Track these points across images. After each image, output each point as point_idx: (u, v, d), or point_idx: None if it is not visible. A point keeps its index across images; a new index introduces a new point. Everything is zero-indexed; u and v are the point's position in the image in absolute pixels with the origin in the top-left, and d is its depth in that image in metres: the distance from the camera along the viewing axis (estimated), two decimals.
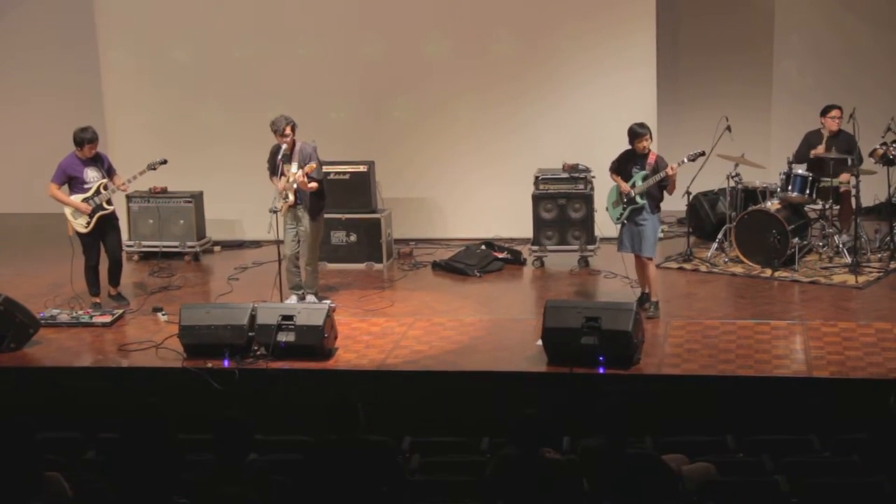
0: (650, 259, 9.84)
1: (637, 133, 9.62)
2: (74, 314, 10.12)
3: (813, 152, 11.07)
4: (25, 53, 14.27)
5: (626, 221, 9.75)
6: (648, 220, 9.70)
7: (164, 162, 10.55)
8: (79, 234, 10.24)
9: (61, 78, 14.07)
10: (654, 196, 9.71)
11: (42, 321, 9.81)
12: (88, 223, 10.20)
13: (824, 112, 11.18)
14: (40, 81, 14.22)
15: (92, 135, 10.13)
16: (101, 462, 6.80)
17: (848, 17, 13.06)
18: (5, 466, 5.73)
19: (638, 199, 9.66)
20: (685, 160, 9.90)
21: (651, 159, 9.68)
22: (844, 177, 10.98)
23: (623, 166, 9.77)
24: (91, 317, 10.08)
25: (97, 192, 10.18)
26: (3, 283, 10.51)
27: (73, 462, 6.89)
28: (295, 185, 9.89)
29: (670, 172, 9.57)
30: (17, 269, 11.83)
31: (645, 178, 9.65)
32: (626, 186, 9.69)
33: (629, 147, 9.73)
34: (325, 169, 10.45)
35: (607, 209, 9.96)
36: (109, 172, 10.32)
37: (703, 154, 10.19)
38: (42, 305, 10.27)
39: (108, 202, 10.24)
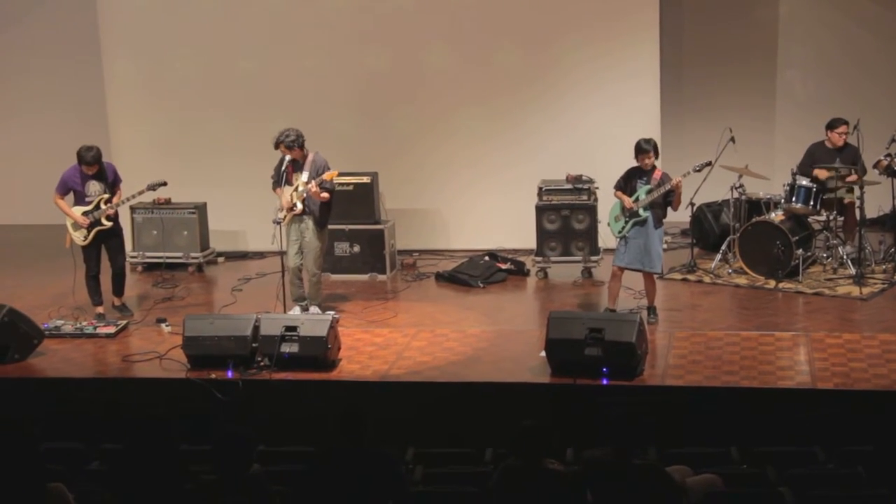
0: (657, 274, 9.85)
1: (641, 149, 9.63)
2: (78, 325, 10.12)
3: (815, 172, 11.03)
4: (30, 65, 14.33)
5: (627, 236, 9.74)
6: (653, 234, 9.69)
7: (164, 184, 10.58)
8: (80, 246, 10.28)
9: (65, 90, 14.12)
10: (659, 210, 9.70)
11: (46, 332, 9.81)
12: (86, 237, 10.22)
13: (831, 126, 11.15)
14: (44, 93, 14.27)
15: (92, 158, 10.07)
16: (105, 472, 6.80)
17: (852, 27, 13.07)
18: (9, 476, 5.72)
19: (641, 211, 9.66)
20: (691, 171, 9.90)
21: (657, 175, 9.68)
22: (852, 178, 10.93)
23: (628, 184, 9.78)
24: (95, 328, 10.09)
25: (97, 206, 10.20)
26: (8, 295, 10.53)
27: (76, 472, 6.88)
28: (305, 194, 9.90)
29: (676, 184, 9.57)
30: (21, 280, 11.85)
31: (649, 192, 9.65)
32: (629, 201, 9.68)
33: (634, 165, 9.73)
34: None
35: (609, 224, 9.95)
36: (114, 184, 10.33)
37: (709, 164, 10.19)
38: (46, 316, 10.28)
39: (108, 218, 10.24)
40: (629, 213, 9.71)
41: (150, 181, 10.50)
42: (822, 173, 10.96)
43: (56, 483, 6.05)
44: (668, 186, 9.58)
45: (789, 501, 6.24)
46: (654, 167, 9.68)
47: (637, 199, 9.68)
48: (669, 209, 9.81)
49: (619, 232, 9.79)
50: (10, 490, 5.61)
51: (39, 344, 9.61)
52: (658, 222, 9.72)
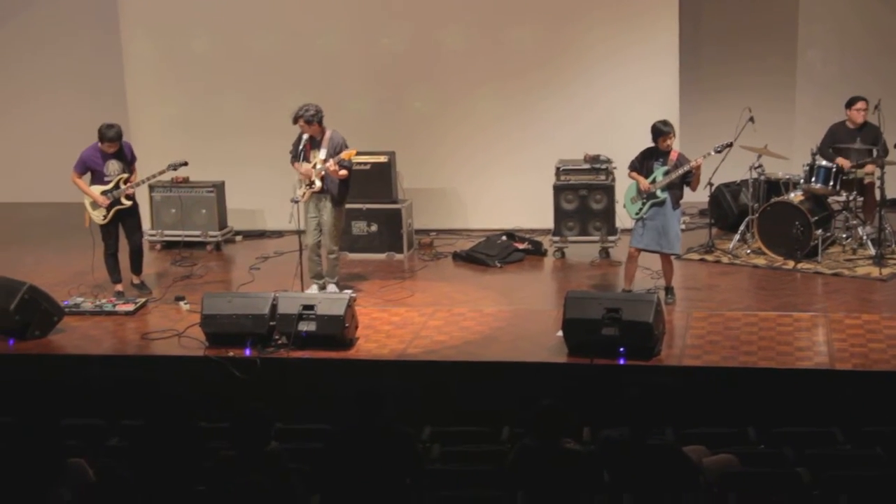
0: (676, 256, 9.83)
1: (661, 131, 9.57)
2: (98, 302, 10.17)
3: (839, 161, 10.93)
4: (49, 44, 14.34)
5: (644, 217, 9.70)
6: (671, 215, 9.65)
7: (185, 164, 10.62)
8: (98, 224, 10.32)
9: (84, 68, 14.14)
10: (677, 191, 9.67)
11: (66, 309, 9.86)
12: (105, 216, 10.26)
13: (849, 104, 11.10)
14: (63, 72, 14.29)
15: (114, 134, 10.13)
16: (124, 449, 6.85)
17: (873, 5, 12.97)
18: (30, 452, 5.77)
19: (659, 193, 9.62)
20: (711, 152, 9.85)
21: (673, 157, 9.63)
22: (869, 168, 10.90)
23: (644, 164, 9.73)
24: (114, 305, 10.13)
25: (116, 185, 10.23)
26: (28, 272, 10.58)
27: (96, 448, 6.93)
28: (323, 172, 9.91)
29: (695, 165, 9.52)
30: (41, 257, 11.91)
31: (666, 174, 9.60)
32: (646, 183, 9.64)
33: (650, 145, 9.69)
34: None
35: (625, 206, 9.92)
36: (131, 163, 10.37)
37: (730, 146, 10.14)
38: (66, 294, 10.32)
39: (128, 197, 10.27)
40: (646, 195, 9.67)
41: (172, 161, 10.54)
42: (844, 163, 10.88)
43: (76, 458, 6.11)
44: (686, 168, 9.53)
45: (807, 482, 6.24)
46: (671, 149, 9.64)
47: (654, 181, 9.64)
48: (687, 189, 9.77)
49: (637, 214, 9.75)
50: (32, 466, 5.66)
51: (59, 321, 9.66)
52: (676, 203, 9.68)
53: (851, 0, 12.98)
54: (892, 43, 12.87)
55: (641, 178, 9.69)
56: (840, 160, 10.91)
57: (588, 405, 7.76)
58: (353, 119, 11.91)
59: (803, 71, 13.15)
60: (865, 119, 11.05)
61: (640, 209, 9.71)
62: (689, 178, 9.62)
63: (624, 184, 10.27)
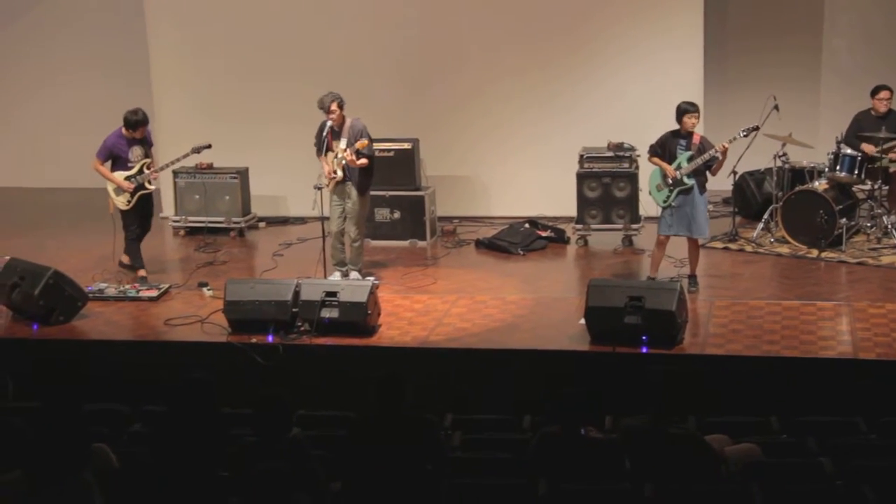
0: (701, 239, 9.81)
1: (686, 110, 9.53)
2: (121, 288, 10.23)
3: (863, 146, 10.87)
4: (74, 30, 14.41)
5: (672, 205, 9.66)
6: (699, 200, 9.61)
7: (209, 146, 10.65)
8: (120, 210, 10.36)
9: (109, 53, 14.19)
10: (701, 176, 9.63)
11: (90, 295, 9.92)
12: (129, 201, 10.30)
13: (874, 93, 11.05)
14: (88, 56, 14.36)
15: (142, 117, 10.22)
16: (147, 434, 6.88)
17: None
18: (54, 437, 5.80)
19: (685, 179, 9.58)
20: (738, 136, 9.81)
21: (696, 139, 9.59)
22: (894, 155, 10.82)
23: (665, 149, 9.68)
24: (138, 291, 10.19)
25: (140, 171, 10.28)
26: (52, 257, 10.64)
27: (119, 434, 6.98)
28: (344, 162, 9.92)
29: (722, 150, 9.47)
30: (66, 242, 11.97)
31: (690, 159, 9.56)
32: (671, 170, 9.60)
33: (672, 129, 9.64)
34: None
35: (650, 193, 9.88)
36: (150, 147, 10.42)
37: (756, 129, 10.07)
38: (90, 279, 10.38)
39: (150, 182, 10.32)
40: (673, 182, 9.62)
41: (195, 144, 10.57)
42: (869, 148, 10.82)
43: (100, 444, 6.14)
44: (713, 153, 9.48)
45: (830, 472, 6.22)
46: (693, 131, 9.59)
47: (679, 167, 9.60)
48: (709, 173, 9.72)
49: (664, 202, 9.69)
50: (56, 451, 5.69)
51: (84, 306, 9.71)
52: (702, 188, 9.63)
53: None
54: None
55: (665, 165, 9.64)
56: (865, 146, 10.84)
57: (610, 393, 7.74)
58: (376, 106, 11.91)
59: (828, 60, 13.06)
60: (889, 107, 10.98)
61: (668, 197, 9.66)
62: (713, 163, 9.58)
63: (647, 172, 10.22)
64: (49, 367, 7.65)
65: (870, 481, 5.90)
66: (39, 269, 9.58)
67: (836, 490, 5.99)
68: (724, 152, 9.51)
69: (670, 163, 9.63)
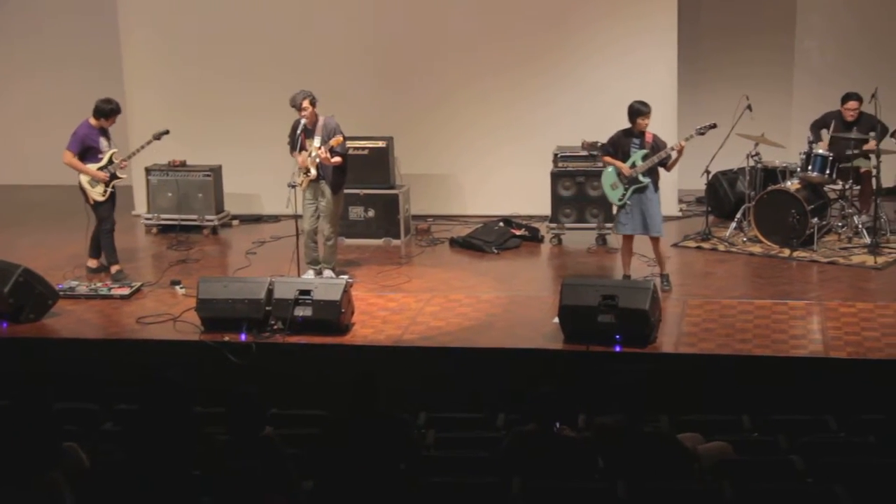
0: (660, 237, 9.85)
1: (640, 111, 9.58)
2: (93, 286, 10.17)
3: (819, 144, 10.98)
4: (46, 26, 14.31)
5: (627, 203, 9.70)
6: (653, 198, 9.67)
7: (167, 132, 10.67)
8: (95, 202, 10.29)
9: (81, 50, 14.11)
10: (655, 174, 9.68)
11: (61, 292, 9.85)
12: (105, 191, 10.26)
13: (843, 101, 11.10)
14: (59, 53, 14.27)
15: (116, 106, 10.28)
16: (118, 433, 6.84)
17: None
18: (23, 436, 5.76)
19: (640, 177, 9.62)
20: (694, 134, 9.82)
21: (648, 138, 9.64)
22: (871, 144, 10.85)
23: (618, 147, 9.72)
24: (109, 289, 10.13)
25: (110, 160, 10.24)
26: (23, 255, 10.55)
27: (90, 433, 6.93)
28: (317, 160, 9.89)
29: (679, 148, 9.53)
30: (36, 240, 11.89)
31: (645, 157, 9.60)
32: (626, 168, 9.64)
33: (624, 128, 9.68)
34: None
35: (605, 192, 9.92)
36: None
37: (713, 126, 10.07)
38: (61, 277, 10.31)
39: (120, 171, 10.32)
40: (628, 180, 9.66)
41: (154, 131, 10.58)
42: (823, 146, 10.95)
43: (70, 443, 6.10)
44: (669, 151, 9.54)
45: (800, 469, 6.26)
46: (645, 130, 9.63)
47: (633, 165, 9.64)
48: (684, 177, 9.76)
49: (619, 200, 9.75)
50: (25, 450, 5.65)
51: (54, 304, 9.65)
52: (656, 186, 9.69)
53: None
54: (888, 33, 12.86)
55: (619, 163, 9.68)
56: (821, 144, 10.95)
57: (583, 392, 7.76)
58: (351, 104, 11.88)
59: (801, 61, 13.14)
60: (854, 118, 11.04)
61: (623, 195, 9.71)
62: (667, 161, 9.63)
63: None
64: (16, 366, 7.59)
65: (840, 479, 5.94)
66: (9, 266, 9.51)
67: (806, 488, 6.02)
68: (681, 151, 9.57)
69: (624, 161, 9.66)
